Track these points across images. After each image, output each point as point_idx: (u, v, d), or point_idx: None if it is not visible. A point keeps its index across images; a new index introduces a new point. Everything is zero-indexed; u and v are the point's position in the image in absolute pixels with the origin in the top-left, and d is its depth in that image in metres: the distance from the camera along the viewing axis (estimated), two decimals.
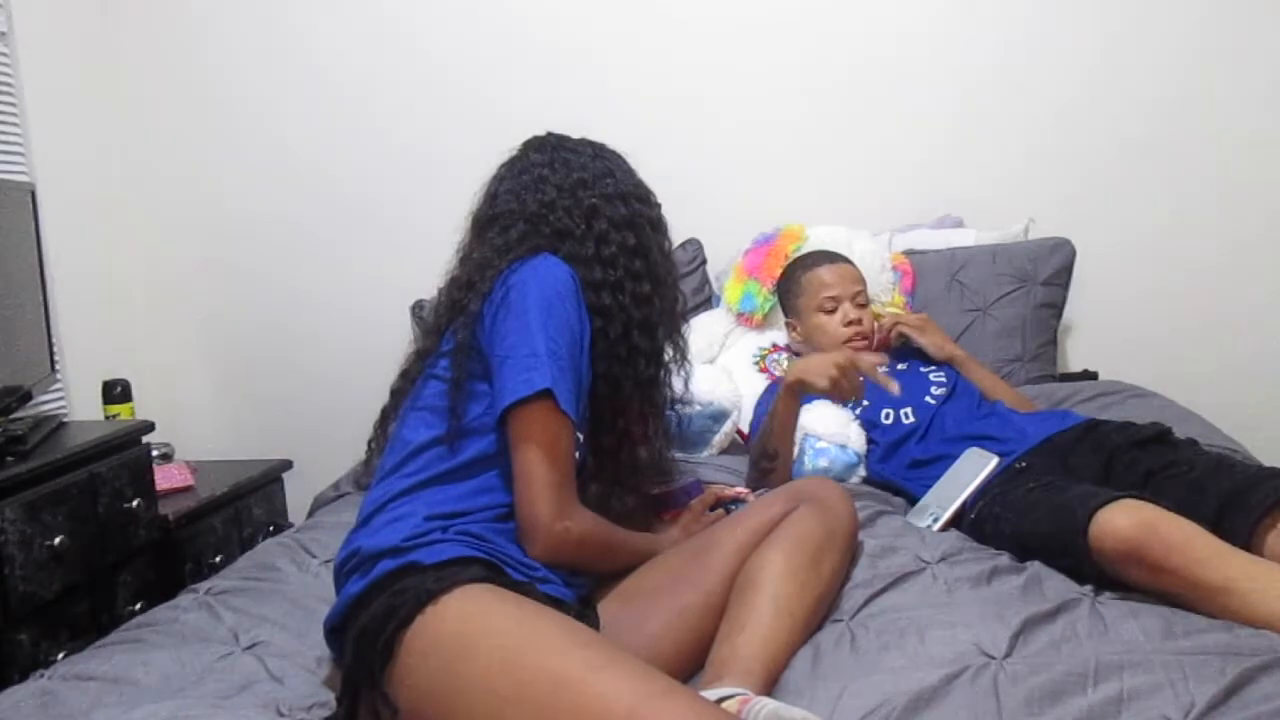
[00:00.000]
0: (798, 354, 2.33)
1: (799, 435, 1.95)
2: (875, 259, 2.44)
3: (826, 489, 1.47)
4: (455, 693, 1.12)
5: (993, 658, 1.21)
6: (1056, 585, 1.38)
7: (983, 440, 1.84)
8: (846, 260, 2.25)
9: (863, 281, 2.23)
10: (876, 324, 2.20)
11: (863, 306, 2.18)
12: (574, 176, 1.54)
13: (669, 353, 1.62)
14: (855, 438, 2.00)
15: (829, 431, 1.98)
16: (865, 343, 2.15)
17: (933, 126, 2.70)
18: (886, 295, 2.44)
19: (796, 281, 2.24)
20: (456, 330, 1.44)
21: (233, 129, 2.92)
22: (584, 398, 1.45)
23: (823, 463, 1.98)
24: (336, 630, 1.30)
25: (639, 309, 1.51)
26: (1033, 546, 1.50)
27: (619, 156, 1.62)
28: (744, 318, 2.46)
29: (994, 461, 1.73)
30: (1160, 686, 1.12)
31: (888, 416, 2.01)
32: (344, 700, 1.21)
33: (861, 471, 2.02)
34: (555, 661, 1.10)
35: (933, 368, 2.13)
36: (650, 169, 1.64)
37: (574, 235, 1.50)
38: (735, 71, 2.74)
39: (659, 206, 1.62)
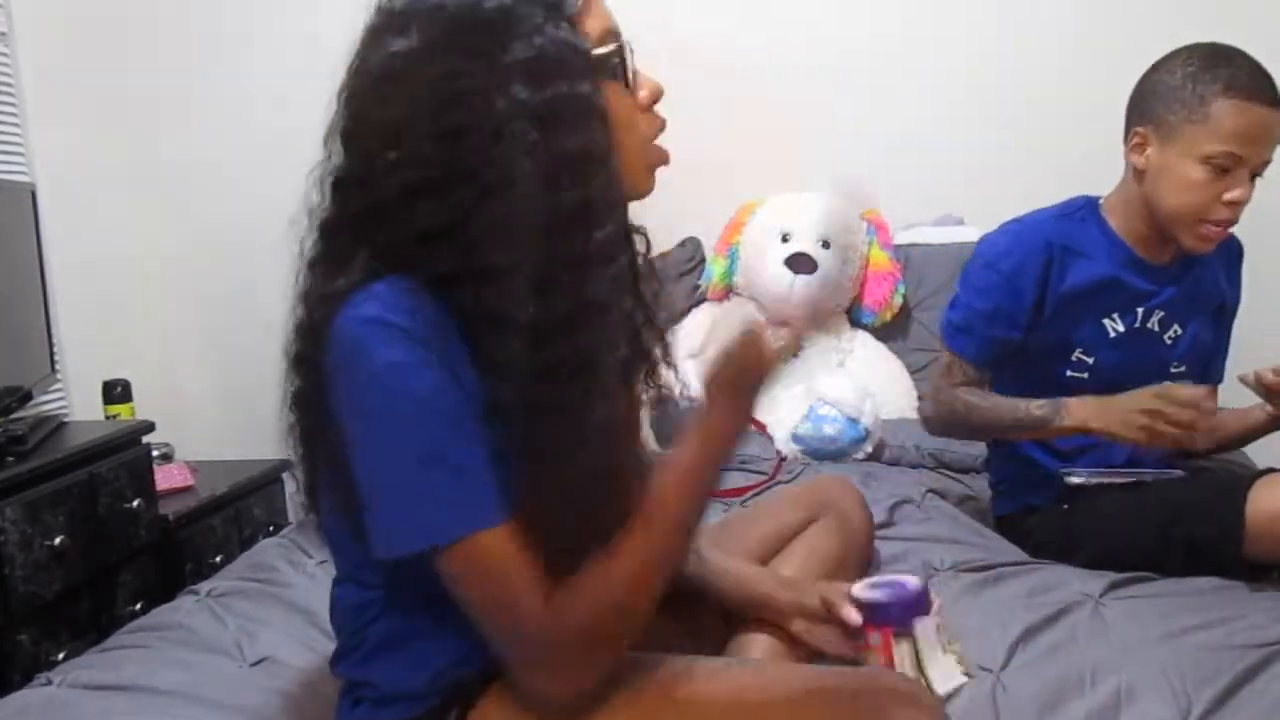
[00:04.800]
0: (1141, 174, 1.61)
1: (811, 400, 1.87)
2: (843, 214, 2.43)
3: (846, 496, 1.42)
4: None
5: (989, 671, 1.20)
6: (1062, 589, 1.37)
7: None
8: None
9: None
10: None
11: (1255, 178, 1.55)
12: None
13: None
14: (869, 414, 1.92)
15: (843, 400, 1.87)
16: (1222, 236, 1.61)
17: (934, 124, 2.69)
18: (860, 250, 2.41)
19: (1195, 94, 1.49)
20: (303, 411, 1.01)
21: (235, 131, 2.91)
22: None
23: (829, 430, 1.90)
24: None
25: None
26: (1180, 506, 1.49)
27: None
28: (711, 291, 2.49)
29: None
30: (1158, 687, 1.12)
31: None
32: None
33: (868, 448, 1.96)
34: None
35: (1177, 357, 1.70)
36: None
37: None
38: (734, 71, 2.73)
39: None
